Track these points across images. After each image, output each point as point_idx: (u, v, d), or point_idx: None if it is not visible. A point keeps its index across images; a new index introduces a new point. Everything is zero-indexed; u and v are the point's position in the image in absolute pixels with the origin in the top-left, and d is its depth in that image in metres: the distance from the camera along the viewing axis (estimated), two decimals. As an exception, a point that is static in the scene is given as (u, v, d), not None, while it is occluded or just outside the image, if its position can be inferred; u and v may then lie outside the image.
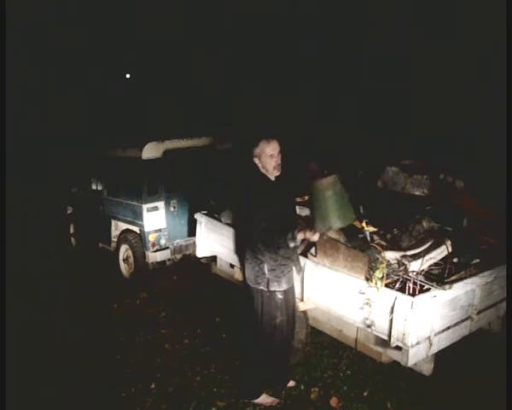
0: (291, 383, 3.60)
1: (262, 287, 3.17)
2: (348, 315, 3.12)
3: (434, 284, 2.95)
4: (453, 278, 3.08)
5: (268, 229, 2.98)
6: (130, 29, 15.40)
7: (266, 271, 3.13)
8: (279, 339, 3.27)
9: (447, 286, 2.87)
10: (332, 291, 3.20)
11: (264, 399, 3.41)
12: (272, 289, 3.16)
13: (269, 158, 3.09)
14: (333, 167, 3.45)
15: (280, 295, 3.18)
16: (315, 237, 2.98)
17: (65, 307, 5.22)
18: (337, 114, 10.39)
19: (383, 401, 3.38)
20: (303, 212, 4.17)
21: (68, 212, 7.51)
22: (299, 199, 4.25)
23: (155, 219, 5.72)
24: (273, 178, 3.17)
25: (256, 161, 3.14)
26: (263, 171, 3.16)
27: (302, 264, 3.35)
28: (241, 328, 3.47)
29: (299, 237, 2.95)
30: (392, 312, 2.76)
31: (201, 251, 4.71)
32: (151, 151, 5.63)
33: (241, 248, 3.66)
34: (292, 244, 2.97)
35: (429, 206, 3.91)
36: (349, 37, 10.76)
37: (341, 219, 2.80)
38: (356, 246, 3.42)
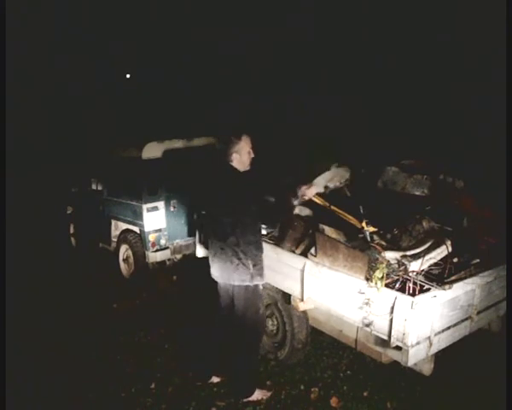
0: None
1: (248, 283, 3.24)
2: (348, 315, 3.12)
3: (434, 284, 2.94)
4: (453, 278, 3.08)
5: (259, 213, 3.19)
6: (130, 29, 15.41)
7: (251, 266, 3.21)
8: (262, 329, 3.48)
9: (447, 286, 2.87)
10: (332, 291, 3.20)
11: (259, 393, 3.45)
12: (255, 282, 3.27)
13: (248, 154, 3.24)
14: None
15: (261, 286, 3.36)
16: (311, 191, 3.28)
17: (65, 307, 5.22)
18: (336, 114, 10.38)
19: (383, 401, 3.38)
20: (303, 212, 4.16)
21: (68, 212, 7.52)
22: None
23: (155, 219, 5.72)
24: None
25: (234, 156, 3.21)
26: (237, 166, 3.23)
27: (302, 264, 3.36)
28: (225, 329, 3.52)
29: (299, 193, 3.22)
30: (392, 312, 2.76)
31: (201, 251, 4.71)
32: (151, 151, 5.63)
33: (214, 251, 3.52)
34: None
35: (429, 206, 3.91)
36: (348, 35, 10.76)
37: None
38: (356, 246, 3.42)
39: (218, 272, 3.37)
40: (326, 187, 3.71)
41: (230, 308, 3.40)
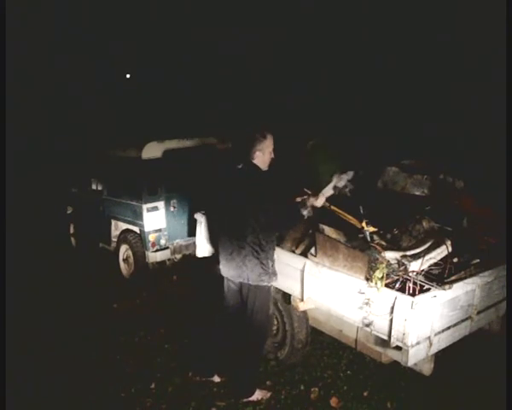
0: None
1: (266, 283, 3.24)
2: (348, 315, 3.12)
3: (434, 284, 2.94)
4: (453, 278, 3.08)
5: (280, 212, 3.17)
6: (130, 29, 15.40)
7: (270, 266, 3.22)
8: (270, 330, 3.57)
9: (447, 286, 2.87)
10: (332, 291, 3.20)
11: (259, 394, 3.45)
12: (272, 282, 3.29)
13: (269, 154, 3.22)
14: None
15: (272, 287, 3.39)
16: (320, 202, 3.30)
17: (65, 307, 5.22)
18: (336, 114, 10.38)
19: (383, 401, 3.38)
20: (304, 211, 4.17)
21: (68, 212, 7.51)
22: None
23: (155, 219, 5.72)
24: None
25: (257, 154, 3.17)
26: (259, 165, 3.21)
27: (302, 264, 3.36)
28: (227, 329, 3.53)
29: (308, 203, 3.22)
30: (392, 312, 2.76)
31: (201, 251, 4.70)
32: (151, 151, 5.63)
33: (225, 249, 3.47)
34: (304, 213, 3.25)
35: (429, 206, 3.91)
36: (348, 35, 10.75)
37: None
38: (356, 246, 3.42)
39: (233, 271, 3.28)
40: (335, 187, 3.72)
41: (238, 308, 3.39)
